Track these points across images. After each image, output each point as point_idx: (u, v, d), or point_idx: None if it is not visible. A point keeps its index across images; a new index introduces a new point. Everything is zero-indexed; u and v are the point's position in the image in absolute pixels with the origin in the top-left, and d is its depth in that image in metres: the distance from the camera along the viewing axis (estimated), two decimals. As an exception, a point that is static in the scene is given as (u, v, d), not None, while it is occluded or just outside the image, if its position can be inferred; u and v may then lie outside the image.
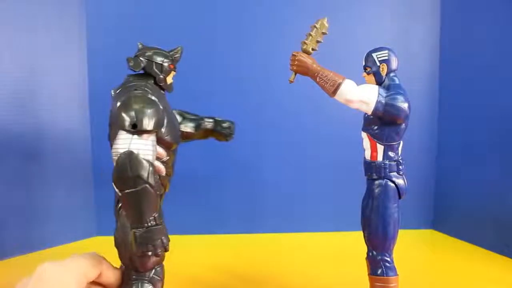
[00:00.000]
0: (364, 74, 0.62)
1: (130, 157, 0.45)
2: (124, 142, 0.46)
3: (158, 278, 0.49)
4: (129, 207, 0.46)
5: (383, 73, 0.59)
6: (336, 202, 1.16)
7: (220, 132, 0.65)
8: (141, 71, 0.55)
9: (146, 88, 0.51)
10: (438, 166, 1.20)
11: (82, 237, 1.09)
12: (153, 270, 0.49)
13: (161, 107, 0.49)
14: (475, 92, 1.05)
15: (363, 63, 0.62)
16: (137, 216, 0.46)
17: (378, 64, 0.59)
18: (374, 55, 0.60)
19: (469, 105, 1.07)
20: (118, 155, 0.45)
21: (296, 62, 0.57)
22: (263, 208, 1.16)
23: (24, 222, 0.98)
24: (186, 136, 0.64)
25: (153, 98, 0.49)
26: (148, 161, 0.46)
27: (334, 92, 0.56)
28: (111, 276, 0.45)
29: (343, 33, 1.16)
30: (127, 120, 0.46)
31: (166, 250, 0.47)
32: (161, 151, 0.51)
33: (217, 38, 1.13)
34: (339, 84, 0.56)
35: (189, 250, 1.00)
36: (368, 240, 0.60)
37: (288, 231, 1.15)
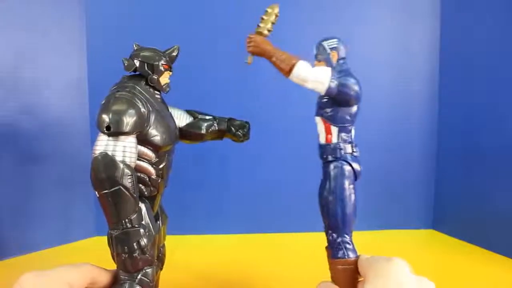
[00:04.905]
0: (316, 62, 0.63)
1: (104, 159, 0.46)
2: (101, 144, 0.47)
3: (148, 280, 0.49)
4: (105, 208, 0.46)
5: (334, 60, 0.62)
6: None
7: (232, 133, 0.64)
8: (136, 72, 0.55)
9: (132, 90, 0.50)
10: (438, 167, 1.20)
11: (82, 237, 1.09)
12: (142, 272, 0.48)
13: (143, 109, 0.49)
14: (475, 92, 1.05)
15: (315, 52, 0.64)
16: (113, 218, 0.46)
17: (329, 51, 0.62)
18: (324, 43, 0.63)
19: (469, 105, 1.07)
20: (94, 157, 0.46)
21: (252, 43, 0.59)
22: (264, 208, 1.16)
23: (24, 222, 0.98)
24: (198, 137, 0.64)
25: (134, 99, 0.49)
26: (123, 162, 0.46)
27: (289, 71, 0.58)
28: (105, 280, 0.45)
29: (343, 33, 1.15)
30: (103, 122, 0.47)
31: (143, 252, 0.47)
32: (148, 152, 0.51)
33: (218, 38, 1.13)
34: (294, 64, 0.57)
35: (189, 250, 1.00)
36: (328, 222, 0.60)
37: (288, 231, 1.15)
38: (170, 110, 0.60)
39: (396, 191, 1.20)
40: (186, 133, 0.63)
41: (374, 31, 1.17)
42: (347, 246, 0.58)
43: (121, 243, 0.46)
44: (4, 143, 0.95)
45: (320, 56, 0.63)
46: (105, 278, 0.45)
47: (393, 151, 1.19)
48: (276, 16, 0.61)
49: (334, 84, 0.57)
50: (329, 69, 0.59)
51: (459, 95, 1.11)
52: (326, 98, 0.60)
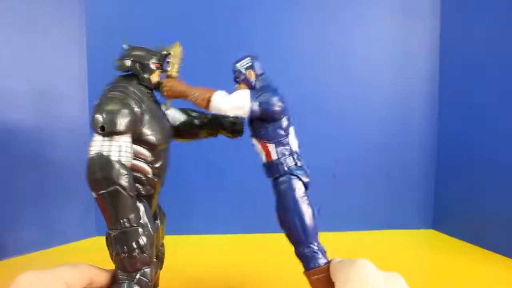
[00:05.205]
0: (237, 85, 0.64)
1: (99, 159, 0.46)
2: (96, 144, 0.47)
3: (146, 280, 0.48)
4: (103, 209, 0.46)
5: (252, 78, 0.62)
6: (335, 202, 1.15)
7: (226, 129, 0.65)
8: (129, 71, 0.55)
9: (124, 89, 0.51)
10: (438, 167, 1.20)
11: (82, 237, 1.09)
12: (141, 271, 0.48)
13: (136, 108, 0.49)
14: (475, 92, 1.05)
15: (233, 75, 0.64)
16: (111, 217, 0.46)
17: (244, 72, 0.63)
18: (238, 65, 0.63)
19: (469, 105, 1.07)
20: (89, 157, 0.46)
21: (166, 88, 0.58)
22: (263, 208, 1.16)
23: (24, 222, 0.98)
24: (192, 135, 0.64)
25: (127, 99, 0.49)
26: (118, 162, 0.46)
27: (207, 105, 0.57)
28: (103, 280, 0.45)
29: (343, 33, 1.16)
30: (96, 122, 0.47)
31: (142, 252, 0.47)
32: (144, 151, 0.51)
33: (217, 37, 1.13)
34: (209, 97, 0.57)
35: (190, 250, 1.00)
36: (291, 238, 0.60)
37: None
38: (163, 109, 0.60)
39: (396, 191, 1.20)
40: (181, 132, 0.63)
41: (374, 31, 1.17)
42: (315, 255, 0.57)
43: (120, 243, 0.46)
44: (3, 143, 0.95)
45: (238, 79, 0.63)
46: (103, 278, 0.45)
47: (393, 151, 1.19)
48: (179, 56, 0.61)
49: (255, 105, 0.57)
50: (247, 91, 0.58)
51: (459, 95, 1.11)
52: (254, 119, 0.60)
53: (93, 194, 0.47)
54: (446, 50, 1.17)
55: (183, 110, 0.64)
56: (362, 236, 1.11)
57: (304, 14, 1.15)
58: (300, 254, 0.59)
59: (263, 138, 0.60)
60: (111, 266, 0.49)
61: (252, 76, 0.62)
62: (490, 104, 1.00)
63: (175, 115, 0.63)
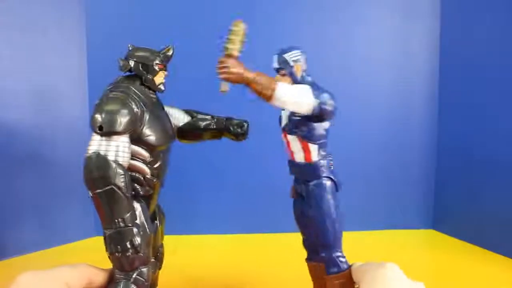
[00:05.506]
0: (278, 76, 0.59)
1: (96, 159, 0.46)
2: (94, 143, 0.48)
3: (143, 280, 0.49)
4: (98, 208, 0.47)
5: (298, 73, 0.58)
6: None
7: (231, 132, 0.64)
8: (132, 72, 0.55)
9: (126, 90, 0.51)
10: (438, 166, 1.20)
11: (82, 237, 1.09)
12: (137, 271, 0.48)
13: (136, 109, 0.49)
14: (475, 92, 1.05)
15: (276, 66, 0.59)
16: (106, 217, 0.47)
17: (292, 64, 0.58)
18: (286, 56, 0.58)
19: (469, 105, 1.07)
20: (87, 156, 0.46)
21: (225, 70, 0.52)
22: (263, 208, 1.16)
23: (24, 222, 0.98)
24: (196, 136, 0.64)
25: (127, 99, 0.49)
26: (115, 162, 0.46)
27: (271, 96, 0.52)
28: (102, 280, 0.45)
29: (343, 33, 1.16)
30: (95, 122, 0.48)
31: (137, 252, 0.47)
32: (142, 152, 0.51)
33: (217, 37, 1.12)
34: (275, 88, 0.52)
35: (189, 250, 1.00)
36: (318, 241, 0.58)
37: (288, 231, 1.15)
38: (167, 110, 0.60)
39: (396, 191, 1.20)
40: (184, 133, 0.63)
41: (374, 31, 1.17)
42: (341, 259, 0.57)
43: (114, 242, 0.46)
44: (4, 143, 0.95)
45: (283, 70, 0.58)
46: (101, 278, 0.46)
47: (393, 151, 1.19)
48: (242, 34, 0.54)
49: (317, 103, 0.53)
50: (307, 87, 0.54)
51: (459, 95, 1.11)
52: (299, 116, 0.56)
53: (89, 193, 0.47)
54: (446, 50, 1.17)
55: (187, 111, 0.64)
56: (362, 236, 1.11)
57: (304, 14, 1.15)
58: (326, 258, 0.57)
59: (307, 138, 0.56)
60: (111, 266, 0.49)
61: (299, 71, 0.58)
62: (490, 104, 1.00)
63: (179, 116, 0.63)
